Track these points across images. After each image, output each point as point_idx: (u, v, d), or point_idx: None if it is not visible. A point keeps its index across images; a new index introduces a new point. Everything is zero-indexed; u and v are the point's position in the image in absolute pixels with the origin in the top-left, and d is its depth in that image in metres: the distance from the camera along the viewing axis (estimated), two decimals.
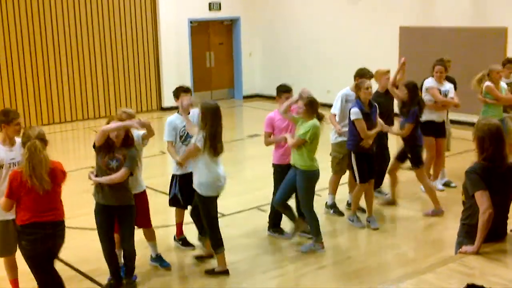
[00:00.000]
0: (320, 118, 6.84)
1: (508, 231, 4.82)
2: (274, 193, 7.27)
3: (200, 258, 6.95)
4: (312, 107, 6.76)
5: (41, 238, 5.30)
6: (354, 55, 14.84)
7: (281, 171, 7.19)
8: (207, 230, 6.59)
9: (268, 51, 17.87)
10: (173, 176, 7.04)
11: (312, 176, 6.88)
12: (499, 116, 9.03)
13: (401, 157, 8.45)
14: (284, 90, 7.22)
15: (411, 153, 8.27)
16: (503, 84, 9.48)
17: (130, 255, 6.26)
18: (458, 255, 4.58)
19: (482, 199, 4.53)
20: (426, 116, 8.97)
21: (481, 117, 5.01)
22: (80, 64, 15.26)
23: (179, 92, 7.06)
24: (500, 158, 4.66)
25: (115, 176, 5.91)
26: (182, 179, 6.90)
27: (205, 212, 6.46)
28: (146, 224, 6.62)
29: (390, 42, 14.57)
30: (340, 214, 8.28)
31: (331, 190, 8.37)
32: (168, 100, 16.18)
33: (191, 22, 16.90)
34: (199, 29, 17.29)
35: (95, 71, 15.52)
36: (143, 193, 6.56)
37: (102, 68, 15.63)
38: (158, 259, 6.80)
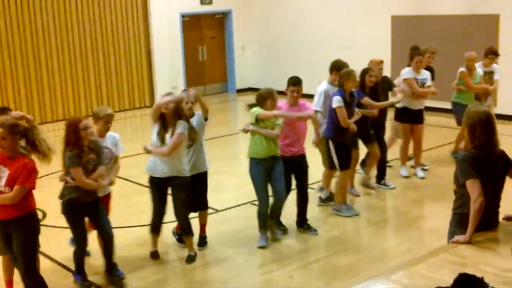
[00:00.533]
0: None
1: (500, 219, 4.79)
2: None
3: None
4: None
5: None
6: (346, 45, 14.77)
7: (283, 162, 7.10)
8: (181, 216, 6.65)
9: (261, 44, 17.79)
10: None
11: None
12: (471, 102, 9.20)
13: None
14: (290, 83, 7.11)
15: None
16: (479, 70, 9.66)
17: (111, 245, 6.25)
18: (450, 245, 4.54)
19: (473, 188, 4.49)
20: (403, 103, 9.09)
21: (471, 105, 4.96)
22: (72, 61, 15.16)
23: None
24: (491, 145, 4.62)
25: (99, 175, 5.98)
26: None
27: (186, 196, 6.56)
28: None
29: (382, 31, 14.52)
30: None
31: (325, 184, 8.33)
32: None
33: (182, 16, 16.82)
34: (191, 23, 17.21)
35: (87, 67, 15.43)
36: (108, 196, 6.54)
37: (94, 64, 15.54)
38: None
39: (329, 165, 7.92)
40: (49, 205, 7.74)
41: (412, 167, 9.53)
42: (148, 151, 6.55)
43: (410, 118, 9.21)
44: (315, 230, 7.38)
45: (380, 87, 8.60)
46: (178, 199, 6.57)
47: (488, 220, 4.62)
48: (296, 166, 7.26)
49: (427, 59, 9.44)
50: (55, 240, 7.24)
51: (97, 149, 6.02)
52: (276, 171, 6.93)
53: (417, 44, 9.79)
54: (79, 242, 6.14)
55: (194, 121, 6.76)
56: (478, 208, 4.44)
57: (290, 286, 6.16)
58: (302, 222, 7.45)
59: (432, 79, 9.41)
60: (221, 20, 17.91)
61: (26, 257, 5.47)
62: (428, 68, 9.45)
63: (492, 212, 4.67)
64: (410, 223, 7.70)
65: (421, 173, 9.30)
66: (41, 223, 7.30)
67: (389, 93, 8.80)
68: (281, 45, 17.09)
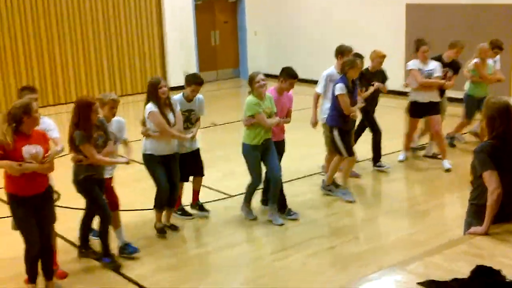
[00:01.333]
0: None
1: None
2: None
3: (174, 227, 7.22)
4: None
5: None
6: (360, 33, 14.66)
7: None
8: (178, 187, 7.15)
9: (274, 29, 17.68)
10: None
11: None
12: (484, 94, 9.20)
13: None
14: (291, 75, 7.16)
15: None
16: (490, 61, 9.65)
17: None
18: (466, 236, 4.53)
19: (490, 179, 4.47)
20: (411, 97, 9.06)
21: (490, 96, 4.93)
22: (85, 46, 15.17)
23: (190, 82, 7.18)
24: (510, 136, 4.59)
25: (108, 151, 6.10)
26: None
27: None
28: (117, 207, 6.65)
29: (396, 19, 14.39)
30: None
31: (327, 169, 8.34)
32: (174, 79, 16.13)
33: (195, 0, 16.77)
34: (204, 7, 17.15)
35: (100, 51, 15.43)
36: (111, 179, 6.63)
37: (107, 48, 15.54)
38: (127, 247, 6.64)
39: (336, 152, 7.93)
40: (64, 186, 7.77)
41: (436, 157, 9.47)
42: (149, 135, 6.77)
43: (421, 111, 9.13)
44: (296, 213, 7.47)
45: (376, 78, 8.78)
46: (178, 172, 7.01)
47: (505, 212, 4.57)
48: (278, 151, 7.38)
49: (455, 53, 9.32)
50: (69, 221, 7.27)
51: (102, 126, 6.10)
52: (271, 151, 7.14)
53: (431, 33, 9.77)
54: (104, 219, 6.20)
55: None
56: (496, 199, 4.42)
57: (303, 273, 6.17)
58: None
59: (456, 73, 9.33)
60: (234, 5, 17.84)
61: (53, 223, 5.77)
62: (455, 63, 9.36)
63: (509, 204, 4.62)
64: (425, 213, 7.66)
65: (447, 165, 9.12)
66: (55, 204, 7.42)
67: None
68: (294, 30, 16.98)
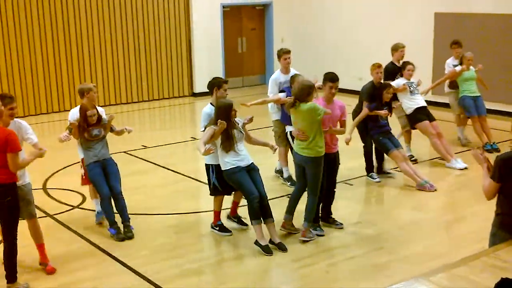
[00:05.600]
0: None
1: None
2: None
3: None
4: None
5: None
6: (387, 42, 14.52)
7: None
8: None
9: (300, 36, 17.67)
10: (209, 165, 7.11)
11: None
12: None
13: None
14: (328, 78, 7.00)
15: None
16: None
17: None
18: (491, 249, 4.49)
19: (488, 189, 4.70)
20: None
21: None
22: (114, 49, 15.35)
23: (220, 83, 7.23)
24: None
25: None
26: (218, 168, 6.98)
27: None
28: None
29: (425, 28, 14.30)
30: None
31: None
32: (200, 85, 16.21)
33: (223, 6, 16.84)
34: (232, 14, 17.22)
35: (128, 56, 15.58)
36: None
37: (135, 53, 15.68)
38: None
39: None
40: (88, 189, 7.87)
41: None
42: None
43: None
44: (341, 224, 7.40)
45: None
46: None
47: None
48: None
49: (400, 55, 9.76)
50: (92, 222, 7.38)
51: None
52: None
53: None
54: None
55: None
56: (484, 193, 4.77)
57: (326, 281, 6.14)
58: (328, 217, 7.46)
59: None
60: (261, 12, 17.89)
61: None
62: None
63: None
64: (449, 224, 7.59)
65: (462, 164, 9.54)
66: (80, 206, 7.56)
67: None
68: (321, 38, 16.97)
